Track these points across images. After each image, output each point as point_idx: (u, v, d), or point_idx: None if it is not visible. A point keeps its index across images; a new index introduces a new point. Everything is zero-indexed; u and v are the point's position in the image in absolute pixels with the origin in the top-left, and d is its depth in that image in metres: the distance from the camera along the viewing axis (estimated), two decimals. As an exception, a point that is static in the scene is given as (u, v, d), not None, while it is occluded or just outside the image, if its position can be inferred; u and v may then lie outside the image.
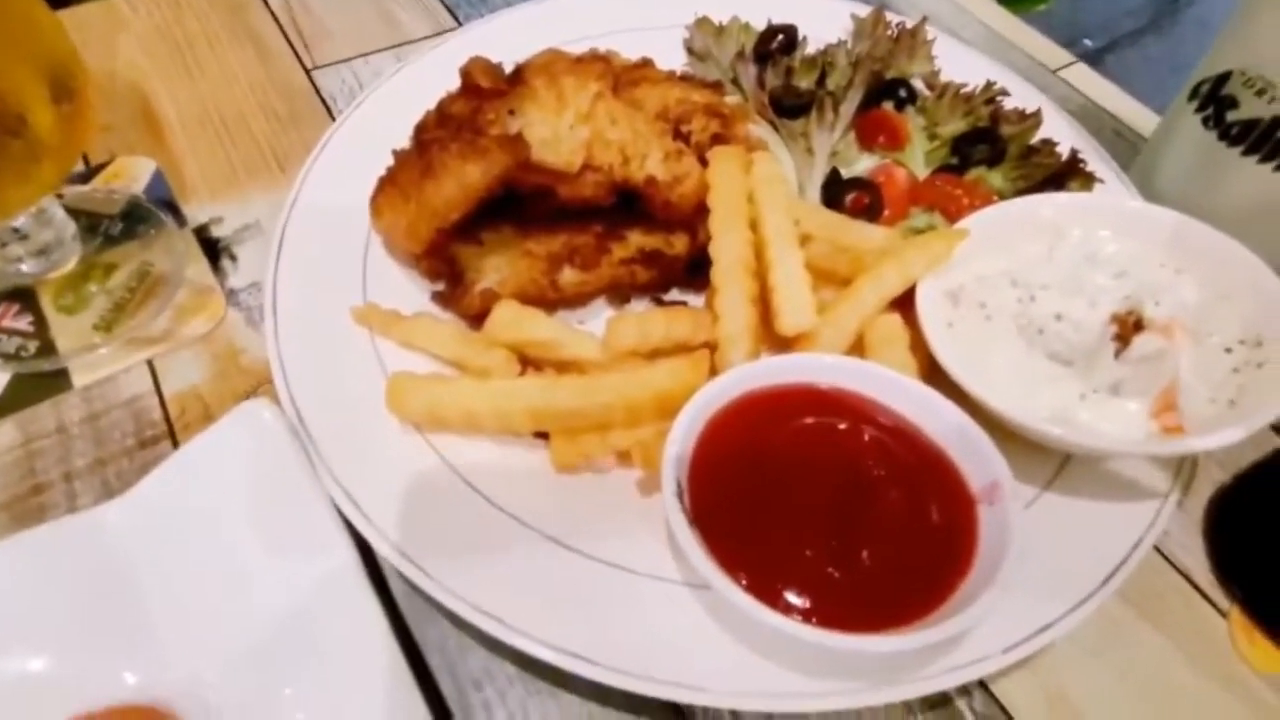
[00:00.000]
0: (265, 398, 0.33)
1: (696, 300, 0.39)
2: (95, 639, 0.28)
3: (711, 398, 0.31)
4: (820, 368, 0.33)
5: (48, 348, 0.38)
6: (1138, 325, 0.35)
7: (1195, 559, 0.35)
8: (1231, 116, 0.37)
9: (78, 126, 0.33)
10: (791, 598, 0.27)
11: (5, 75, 0.28)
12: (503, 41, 0.44)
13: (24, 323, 0.38)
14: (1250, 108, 0.36)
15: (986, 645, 0.29)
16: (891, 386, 0.32)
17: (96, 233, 0.41)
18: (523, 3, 0.52)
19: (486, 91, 0.37)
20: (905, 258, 0.35)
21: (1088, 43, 1.76)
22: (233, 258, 0.42)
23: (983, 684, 0.32)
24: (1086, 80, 0.55)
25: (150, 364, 0.38)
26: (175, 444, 0.36)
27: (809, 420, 0.31)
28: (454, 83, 0.41)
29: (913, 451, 0.31)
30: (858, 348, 0.35)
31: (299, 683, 0.28)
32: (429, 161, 0.36)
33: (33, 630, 0.28)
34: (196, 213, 0.44)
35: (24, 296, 0.39)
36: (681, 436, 0.30)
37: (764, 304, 0.35)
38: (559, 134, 0.37)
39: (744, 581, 0.27)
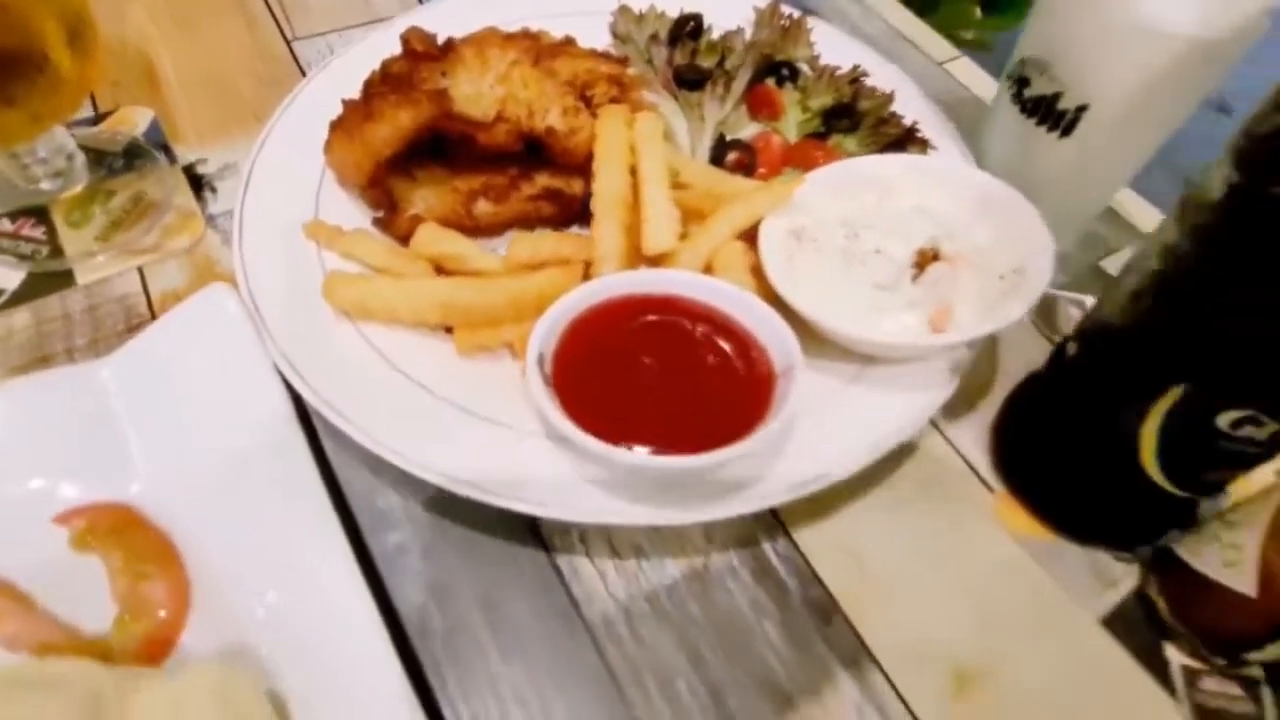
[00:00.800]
0: (227, 284, 0.41)
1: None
2: (84, 458, 0.37)
3: (578, 297, 0.39)
4: (668, 279, 0.41)
5: (57, 252, 0.46)
6: (935, 257, 0.43)
7: (977, 452, 0.43)
8: (1027, 93, 0.45)
9: (88, 67, 0.41)
10: (624, 438, 0.35)
11: (35, 20, 0.37)
12: (457, 19, 0.52)
13: (39, 232, 0.47)
14: (1038, 85, 0.44)
15: (777, 484, 0.37)
16: (722, 293, 0.40)
17: (101, 165, 0.50)
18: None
19: (422, 55, 0.46)
20: (753, 198, 0.44)
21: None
22: (213, 190, 0.51)
23: (787, 533, 0.40)
24: (967, 72, 0.64)
25: (140, 270, 0.47)
26: (157, 331, 0.44)
27: (653, 317, 0.40)
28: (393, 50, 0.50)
29: (730, 339, 0.39)
30: (710, 271, 0.43)
31: (238, 496, 0.36)
32: (370, 109, 0.44)
33: (35, 451, 0.37)
34: (185, 154, 0.52)
35: (39, 212, 0.48)
36: (549, 321, 0.38)
37: (635, 234, 0.43)
38: (480, 92, 0.46)
39: (584, 426, 0.35)
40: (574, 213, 0.47)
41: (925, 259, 0.43)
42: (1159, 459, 0.34)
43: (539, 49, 0.49)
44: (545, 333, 0.38)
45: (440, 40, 0.48)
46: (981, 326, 0.40)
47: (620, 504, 0.37)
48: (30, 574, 0.34)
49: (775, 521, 0.40)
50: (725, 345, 0.39)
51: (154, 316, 0.45)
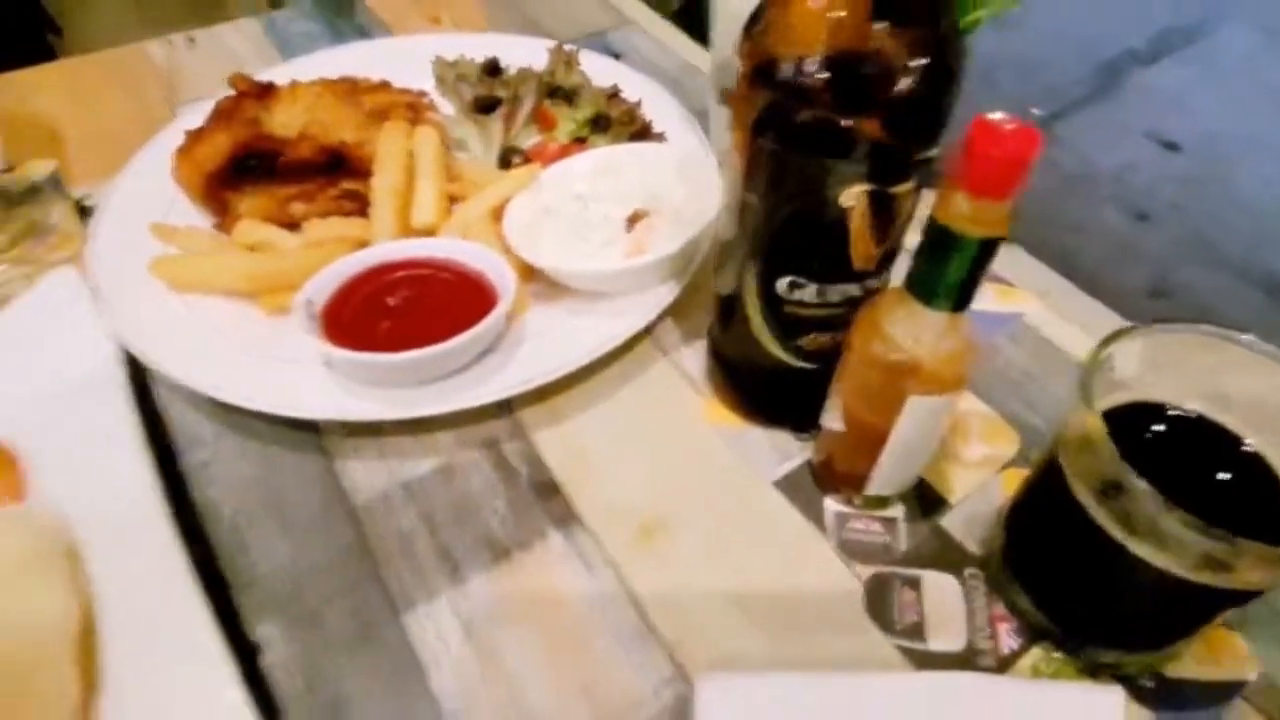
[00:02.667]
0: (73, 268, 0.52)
1: (393, 226, 0.59)
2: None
3: (348, 260, 0.50)
4: (420, 244, 0.52)
5: (-38, 268, 0.58)
6: (641, 216, 0.54)
7: (694, 368, 0.53)
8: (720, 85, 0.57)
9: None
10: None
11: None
12: (306, 74, 0.66)
13: (-52, 254, 0.59)
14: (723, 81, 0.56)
15: (508, 383, 0.47)
16: (461, 249, 0.51)
17: (8, 200, 0.62)
18: (318, 51, 0.74)
19: (245, 93, 0.58)
20: (501, 182, 0.55)
21: (1036, 111, 1.97)
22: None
23: (524, 436, 0.49)
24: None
25: (30, 277, 0.58)
26: (35, 320, 0.55)
27: (403, 271, 0.51)
28: None
29: (463, 280, 0.50)
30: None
31: (67, 420, 0.46)
32: (199, 135, 0.56)
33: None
34: (76, 192, 0.65)
35: (-49, 239, 0.60)
36: (319, 277, 0.49)
37: (407, 217, 0.55)
38: (290, 120, 0.58)
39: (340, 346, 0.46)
40: (369, 210, 0.59)
41: (635, 218, 0.54)
42: (770, 333, 0.44)
43: (354, 89, 0.61)
44: (315, 286, 0.49)
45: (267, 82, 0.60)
46: (661, 251, 0.50)
47: (371, 405, 0.47)
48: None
49: (515, 426, 0.50)
50: (459, 284, 0.50)
51: (34, 311, 0.56)
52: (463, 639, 0.41)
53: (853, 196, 0.36)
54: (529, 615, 0.42)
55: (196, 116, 0.64)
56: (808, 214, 0.38)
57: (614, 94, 0.65)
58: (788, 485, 0.47)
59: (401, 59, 0.71)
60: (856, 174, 0.35)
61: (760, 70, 0.36)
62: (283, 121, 0.57)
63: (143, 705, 0.35)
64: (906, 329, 0.37)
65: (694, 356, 0.54)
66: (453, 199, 0.56)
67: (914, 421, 0.39)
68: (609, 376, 0.52)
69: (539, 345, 0.50)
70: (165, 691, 0.36)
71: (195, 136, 0.56)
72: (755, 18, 0.36)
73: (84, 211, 0.63)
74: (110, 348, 0.49)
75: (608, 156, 0.58)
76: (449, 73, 0.70)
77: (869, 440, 0.41)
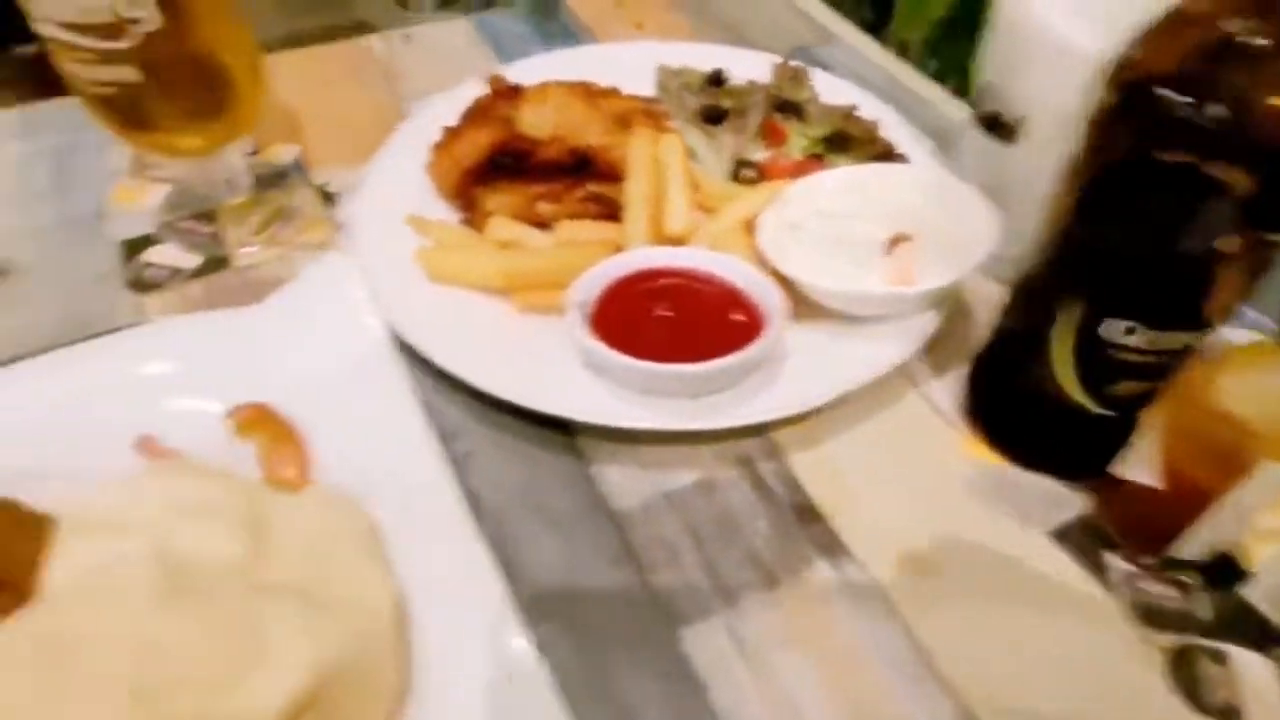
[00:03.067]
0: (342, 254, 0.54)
1: (629, 231, 0.59)
2: (236, 374, 0.49)
3: (610, 263, 0.51)
4: (681, 253, 0.52)
5: (221, 244, 0.61)
6: (901, 239, 0.53)
7: (951, 404, 0.51)
8: (981, 111, 0.55)
9: (261, 100, 0.56)
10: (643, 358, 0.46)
11: (233, 56, 0.52)
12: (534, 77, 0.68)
13: (209, 229, 0.62)
14: (988, 104, 0.54)
15: (773, 406, 0.47)
16: (721, 262, 0.51)
17: (257, 183, 0.65)
18: (544, 53, 0.75)
19: (499, 93, 0.60)
20: (751, 195, 0.55)
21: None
22: (338, 201, 0.65)
23: (781, 457, 0.48)
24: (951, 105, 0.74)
25: (288, 259, 0.61)
26: (292, 300, 0.57)
27: (667, 280, 0.50)
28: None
29: (727, 294, 0.50)
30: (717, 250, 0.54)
31: (348, 404, 0.47)
32: (458, 132, 0.58)
33: (207, 372, 0.49)
34: (319, 177, 0.67)
35: (210, 215, 0.63)
36: (586, 279, 0.49)
37: (657, 224, 0.55)
38: (541, 120, 0.59)
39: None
40: (614, 213, 0.59)
41: (895, 241, 0.53)
42: (1075, 376, 0.42)
43: (590, 93, 0.62)
44: (584, 287, 0.49)
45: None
46: (934, 282, 0.48)
47: (640, 411, 0.47)
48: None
49: (772, 448, 0.49)
50: (723, 298, 0.50)
51: (292, 291, 0.58)
52: (737, 657, 0.41)
53: (1231, 243, 0.34)
54: (802, 640, 0.41)
55: (435, 111, 0.66)
56: (1167, 257, 0.36)
57: (850, 112, 0.64)
58: (1063, 535, 0.45)
59: (618, 64, 0.71)
60: (1238, 218, 0.33)
61: (1139, 98, 0.34)
62: (532, 122, 0.58)
63: (452, 699, 0.36)
64: (1269, 387, 0.34)
65: (944, 388, 0.52)
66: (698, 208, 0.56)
67: (1259, 487, 0.36)
68: (861, 402, 0.51)
69: (798, 367, 0.49)
70: (474, 683, 0.36)
71: (454, 133, 0.58)
72: (1143, 38, 0.34)
73: (326, 197, 0.66)
74: (382, 333, 0.50)
75: (854, 175, 0.57)
76: (673, 81, 0.70)
77: (1191, 499, 0.39)
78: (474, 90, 0.67)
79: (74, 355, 0.49)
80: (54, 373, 0.48)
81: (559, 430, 0.50)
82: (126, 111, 0.52)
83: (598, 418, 0.46)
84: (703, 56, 0.72)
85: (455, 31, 0.85)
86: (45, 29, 0.48)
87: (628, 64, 0.72)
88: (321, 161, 0.69)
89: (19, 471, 0.41)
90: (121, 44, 0.48)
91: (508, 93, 0.60)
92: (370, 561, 0.37)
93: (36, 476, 0.40)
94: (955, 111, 0.73)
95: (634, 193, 0.55)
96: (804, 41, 0.84)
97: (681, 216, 0.53)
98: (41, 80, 0.61)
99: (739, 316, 0.49)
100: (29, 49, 0.83)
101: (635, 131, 0.57)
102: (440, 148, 0.59)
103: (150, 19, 0.48)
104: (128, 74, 0.49)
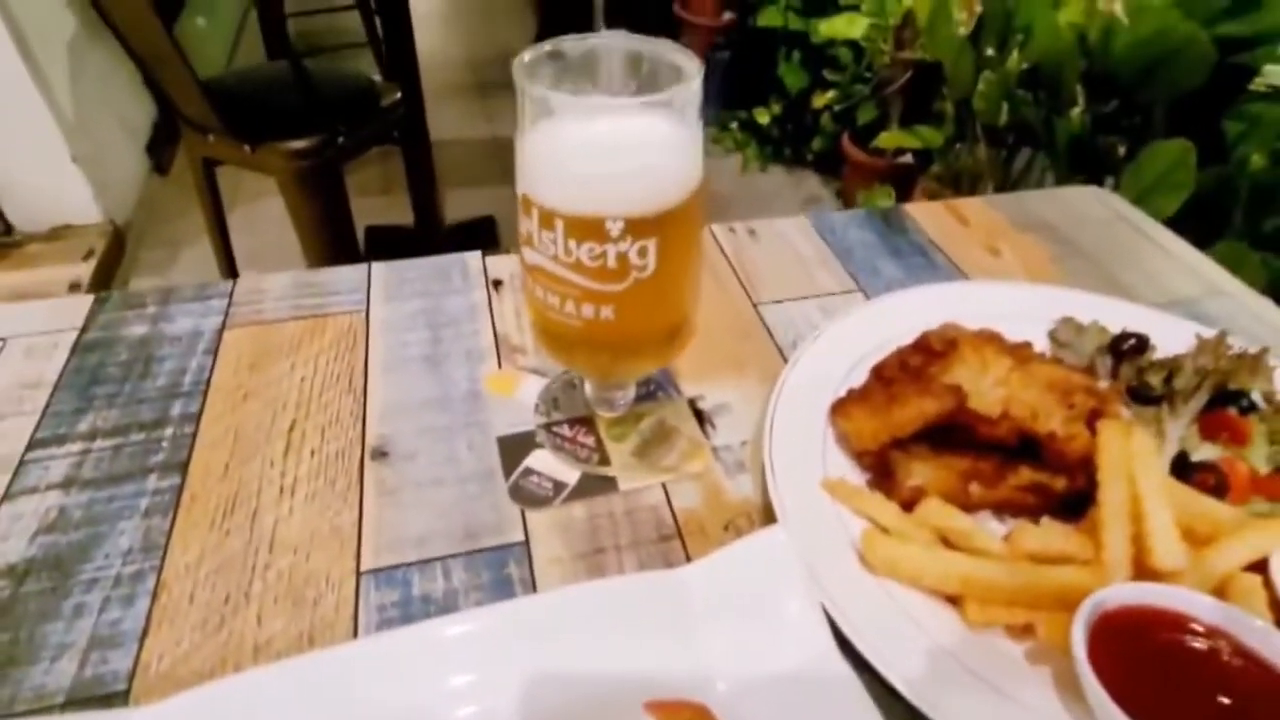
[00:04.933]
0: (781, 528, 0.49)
1: (1066, 528, 0.52)
2: (668, 657, 0.44)
3: (1104, 597, 0.43)
4: (1193, 600, 0.43)
5: (605, 460, 0.58)
6: None
7: None
8: None
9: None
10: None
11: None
12: (906, 309, 0.64)
13: (590, 441, 0.59)
14: None
15: None
16: (1256, 631, 0.42)
17: (634, 393, 0.63)
18: (920, 286, 0.71)
19: (935, 351, 0.55)
20: (1263, 526, 0.46)
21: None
22: (713, 425, 0.62)
23: None
24: None
25: (664, 486, 0.57)
26: (682, 542, 0.53)
27: (1184, 637, 0.42)
28: (870, 334, 0.60)
29: (1267, 674, 0.40)
30: (1221, 598, 0.45)
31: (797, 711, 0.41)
32: (893, 393, 0.53)
33: (627, 645, 0.45)
34: (687, 391, 0.64)
35: (589, 424, 0.60)
36: (1084, 617, 0.42)
37: (1135, 546, 0.47)
38: (982, 389, 0.53)
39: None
40: (1049, 507, 0.52)
41: None
42: None
43: (1023, 357, 0.56)
44: (1082, 623, 0.41)
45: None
46: None
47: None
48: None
49: None
50: (1268, 686, 0.40)
51: (678, 527, 0.54)
52: None
53: None
54: None
55: (819, 350, 0.63)
56: None
57: (1332, 420, 0.55)
58: None
59: (992, 303, 0.66)
60: None
61: None
62: (973, 389, 0.53)
63: None
64: None
65: None
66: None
67: None
68: None
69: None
70: None
71: (888, 393, 0.53)
72: None
73: (696, 414, 0.62)
74: (824, 627, 0.44)
75: (1373, 517, 0.47)
76: (1077, 339, 0.64)
77: None
78: (861, 322, 0.63)
79: (509, 613, 0.46)
80: (496, 632, 0.44)
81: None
82: (587, 346, 0.50)
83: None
84: (1101, 311, 0.66)
85: (797, 230, 0.84)
86: (538, 260, 0.48)
87: (1010, 307, 0.67)
88: (686, 371, 0.66)
89: None
90: (616, 288, 0.46)
91: (944, 351, 0.55)
92: None
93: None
94: None
95: (1112, 505, 0.47)
96: (1189, 295, 0.76)
97: (1174, 550, 0.45)
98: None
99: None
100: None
101: (1103, 423, 0.51)
102: (865, 404, 0.54)
103: (648, 268, 0.46)
104: (607, 313, 0.47)
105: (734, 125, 3.17)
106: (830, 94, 2.81)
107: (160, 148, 2.87)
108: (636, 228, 0.44)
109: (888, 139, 2.47)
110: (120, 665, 0.47)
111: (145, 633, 0.48)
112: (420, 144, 2.28)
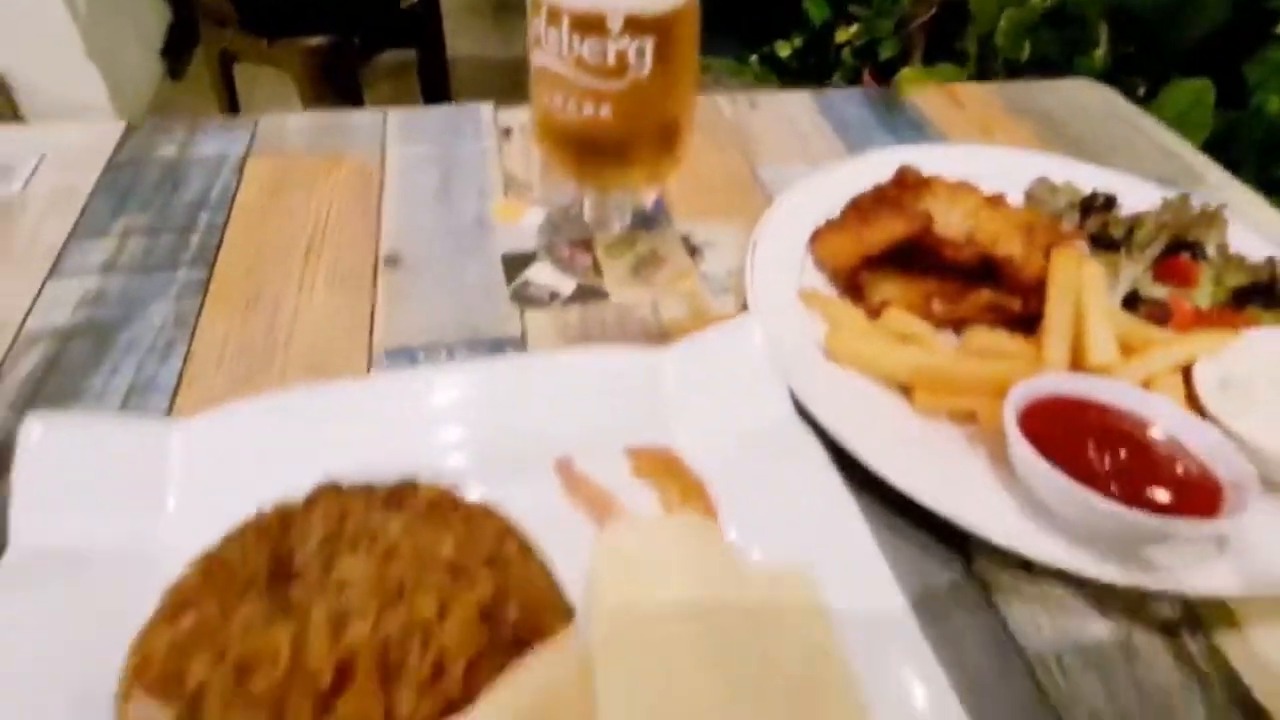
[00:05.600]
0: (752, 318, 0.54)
1: (1017, 347, 0.56)
2: (638, 419, 0.49)
3: (1040, 383, 0.48)
4: (1117, 388, 0.48)
5: (599, 275, 0.63)
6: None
7: None
8: None
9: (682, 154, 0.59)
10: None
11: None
12: (891, 162, 0.67)
13: (587, 259, 0.64)
14: None
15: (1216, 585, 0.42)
16: (1166, 409, 0.47)
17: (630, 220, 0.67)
18: (905, 145, 0.75)
19: (910, 185, 0.59)
20: (1190, 340, 0.51)
21: None
22: (701, 255, 0.66)
23: (1209, 638, 0.43)
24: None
25: (654, 302, 0.62)
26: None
27: (1100, 414, 0.47)
28: (853, 182, 0.65)
29: (1174, 447, 0.45)
30: (1144, 392, 0.50)
31: (759, 466, 0.46)
32: (865, 216, 0.57)
33: (607, 410, 0.50)
34: (680, 226, 0.69)
35: (587, 245, 0.65)
36: (1015, 398, 0.47)
37: (1074, 353, 0.52)
38: (950, 221, 0.58)
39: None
40: (1008, 325, 0.57)
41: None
42: None
43: (995, 201, 0.60)
44: (1013, 400, 0.46)
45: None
46: None
47: (1061, 549, 0.43)
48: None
49: (1193, 620, 0.44)
50: (1169, 450, 0.46)
51: (664, 333, 0.59)
52: None
53: None
54: None
55: (813, 186, 0.67)
56: None
57: (1273, 266, 0.59)
58: None
59: (979, 167, 0.70)
60: None
61: None
62: (947, 221, 0.57)
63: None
64: None
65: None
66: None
67: None
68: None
69: (1246, 542, 0.44)
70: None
71: (862, 217, 0.58)
72: None
73: (690, 248, 0.67)
74: (789, 405, 0.49)
75: (1295, 337, 0.52)
76: (1051, 197, 0.68)
77: None
78: (847, 172, 0.67)
79: (504, 365, 0.51)
80: (492, 380, 0.49)
81: (952, 546, 0.47)
82: (585, 146, 0.54)
83: (1010, 541, 0.43)
84: (1078, 175, 0.70)
85: (797, 104, 0.87)
86: (544, 60, 0.51)
87: (990, 169, 0.70)
88: (680, 212, 0.71)
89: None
90: (614, 85, 0.50)
91: (915, 186, 0.59)
92: (835, 643, 0.35)
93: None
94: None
95: (1055, 316, 0.52)
96: (1164, 178, 0.79)
97: (1107, 348, 0.50)
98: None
99: (1189, 471, 0.45)
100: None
101: (1058, 251, 0.55)
102: (841, 228, 0.59)
103: (644, 68, 0.50)
104: (605, 112, 0.51)
105: (753, 59, 3.15)
106: (854, 28, 2.79)
107: (175, 52, 2.87)
108: (635, 25, 0.48)
109: (909, 75, 2.46)
110: (156, 410, 0.52)
111: (177, 388, 0.54)
112: (437, 49, 2.28)
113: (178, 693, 0.30)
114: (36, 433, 0.43)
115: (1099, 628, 0.44)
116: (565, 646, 0.32)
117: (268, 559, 0.34)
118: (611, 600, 0.33)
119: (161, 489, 0.43)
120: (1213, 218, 0.63)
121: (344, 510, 0.37)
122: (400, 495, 0.38)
